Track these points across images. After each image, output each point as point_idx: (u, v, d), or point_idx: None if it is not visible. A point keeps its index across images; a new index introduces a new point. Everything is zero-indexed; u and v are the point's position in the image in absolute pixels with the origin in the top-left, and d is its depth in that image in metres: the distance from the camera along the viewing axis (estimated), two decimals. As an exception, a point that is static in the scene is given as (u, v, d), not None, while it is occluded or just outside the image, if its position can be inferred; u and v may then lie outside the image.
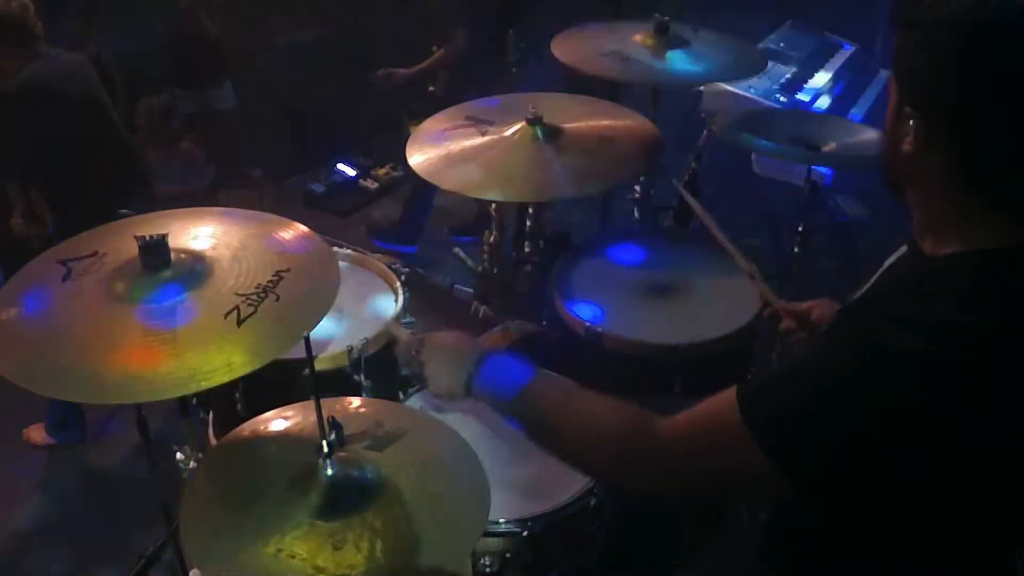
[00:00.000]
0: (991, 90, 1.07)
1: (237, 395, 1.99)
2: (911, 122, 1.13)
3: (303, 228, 1.56)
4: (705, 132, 2.71)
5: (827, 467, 1.07)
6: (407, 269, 2.30)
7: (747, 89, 3.53)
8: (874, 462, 1.06)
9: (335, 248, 2.09)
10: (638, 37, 2.54)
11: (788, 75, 3.80)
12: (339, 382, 1.96)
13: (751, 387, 1.14)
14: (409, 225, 4.55)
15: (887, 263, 1.33)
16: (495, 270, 2.63)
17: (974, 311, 1.05)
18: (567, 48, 2.54)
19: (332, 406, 1.59)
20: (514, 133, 2.16)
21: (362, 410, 1.65)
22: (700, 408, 1.18)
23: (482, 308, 2.43)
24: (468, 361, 1.39)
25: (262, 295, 1.36)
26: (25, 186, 3.29)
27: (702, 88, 3.53)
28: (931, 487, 1.09)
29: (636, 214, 2.72)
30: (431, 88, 4.41)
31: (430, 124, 2.28)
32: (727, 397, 1.14)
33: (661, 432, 1.19)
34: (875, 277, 1.31)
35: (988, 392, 1.04)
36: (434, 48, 4.26)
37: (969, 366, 1.03)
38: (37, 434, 3.33)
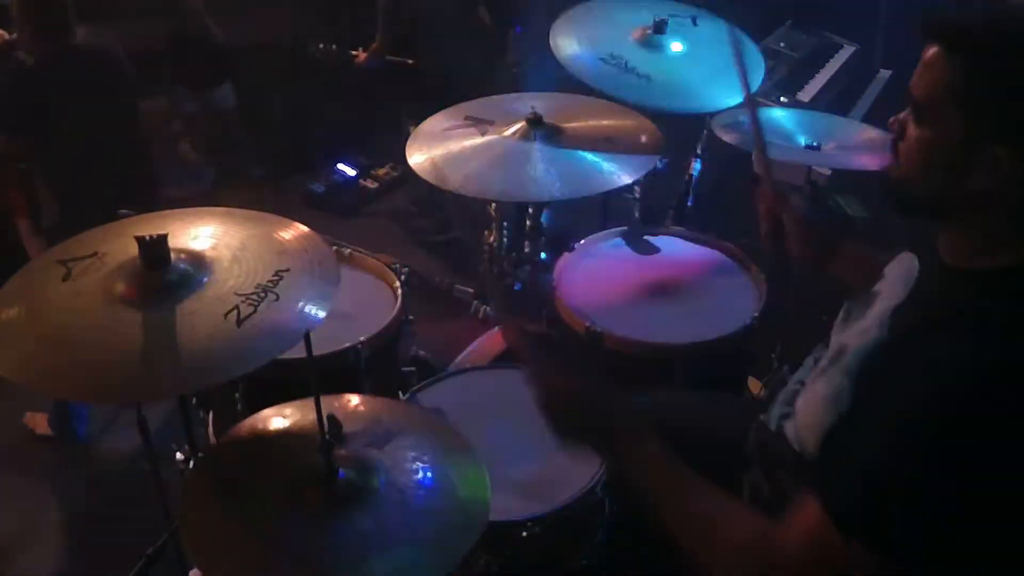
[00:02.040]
0: None
1: (237, 395, 1.99)
2: (999, 160, 1.05)
3: (303, 228, 1.56)
4: (705, 132, 2.71)
5: (942, 540, 1.02)
6: (407, 269, 2.30)
7: (747, 89, 3.53)
8: (970, 513, 1.01)
9: (335, 248, 2.09)
10: (637, 36, 2.53)
11: (788, 75, 3.79)
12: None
13: (840, 501, 1.06)
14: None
15: (888, 273, 1.30)
16: (495, 270, 2.64)
17: (1017, 329, 1.02)
18: (566, 43, 2.52)
19: (331, 404, 1.59)
20: (514, 133, 2.16)
21: (361, 408, 1.65)
22: (802, 536, 1.08)
23: (482, 308, 2.43)
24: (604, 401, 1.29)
25: (262, 295, 1.36)
26: (38, 169, 3.28)
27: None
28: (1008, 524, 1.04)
29: (636, 214, 2.71)
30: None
31: (430, 124, 2.29)
32: (815, 517, 1.06)
33: (775, 557, 1.10)
34: (880, 288, 1.28)
35: None
36: None
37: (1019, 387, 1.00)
38: (40, 423, 3.33)
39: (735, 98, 2.36)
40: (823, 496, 1.07)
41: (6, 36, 3.26)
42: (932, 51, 1.10)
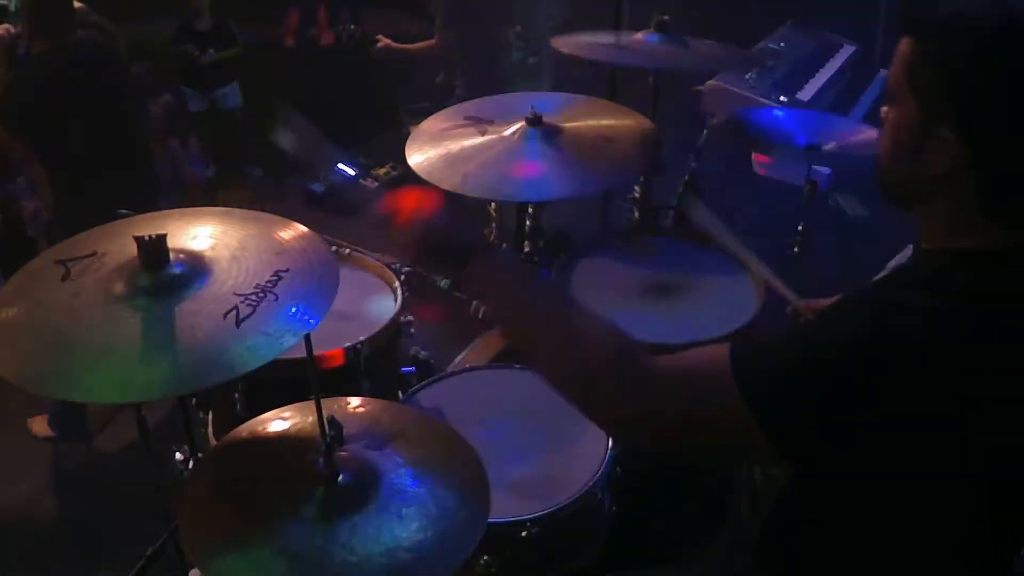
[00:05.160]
0: None
1: (236, 395, 1.99)
2: (947, 143, 1.08)
3: (303, 228, 1.56)
4: (705, 132, 2.71)
5: (809, 434, 1.07)
6: (407, 269, 2.30)
7: (747, 89, 3.53)
8: (859, 438, 1.06)
9: (335, 248, 2.09)
10: (638, 36, 2.54)
11: (788, 75, 3.80)
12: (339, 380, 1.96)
13: (747, 346, 1.15)
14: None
15: (892, 263, 1.33)
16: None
17: (980, 307, 1.05)
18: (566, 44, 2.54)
19: (331, 406, 1.59)
20: (514, 133, 2.16)
21: (361, 410, 1.65)
22: (691, 354, 1.18)
23: (482, 308, 2.42)
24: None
25: (261, 295, 1.36)
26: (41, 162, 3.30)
27: (702, 88, 3.54)
28: (924, 475, 1.09)
29: (636, 214, 2.71)
30: (437, 80, 4.44)
31: (430, 124, 2.29)
32: (720, 350, 1.13)
33: (649, 364, 1.18)
34: (881, 274, 1.31)
35: (985, 385, 1.04)
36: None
37: (968, 357, 1.03)
38: (40, 426, 3.34)
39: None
40: (734, 342, 1.14)
41: (12, 30, 3.27)
42: (903, 41, 1.15)
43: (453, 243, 1.33)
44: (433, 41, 4.21)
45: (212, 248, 1.46)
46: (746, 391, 1.07)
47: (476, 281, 1.32)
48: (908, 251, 1.31)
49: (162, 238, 1.38)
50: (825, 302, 1.78)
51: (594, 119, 2.28)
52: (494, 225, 2.64)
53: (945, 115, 1.09)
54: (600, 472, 1.74)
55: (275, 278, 1.40)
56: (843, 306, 1.15)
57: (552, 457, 1.80)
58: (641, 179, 2.63)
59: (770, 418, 1.07)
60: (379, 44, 4.30)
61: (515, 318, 1.30)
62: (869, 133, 2.44)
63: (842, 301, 1.17)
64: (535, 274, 1.31)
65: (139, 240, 1.37)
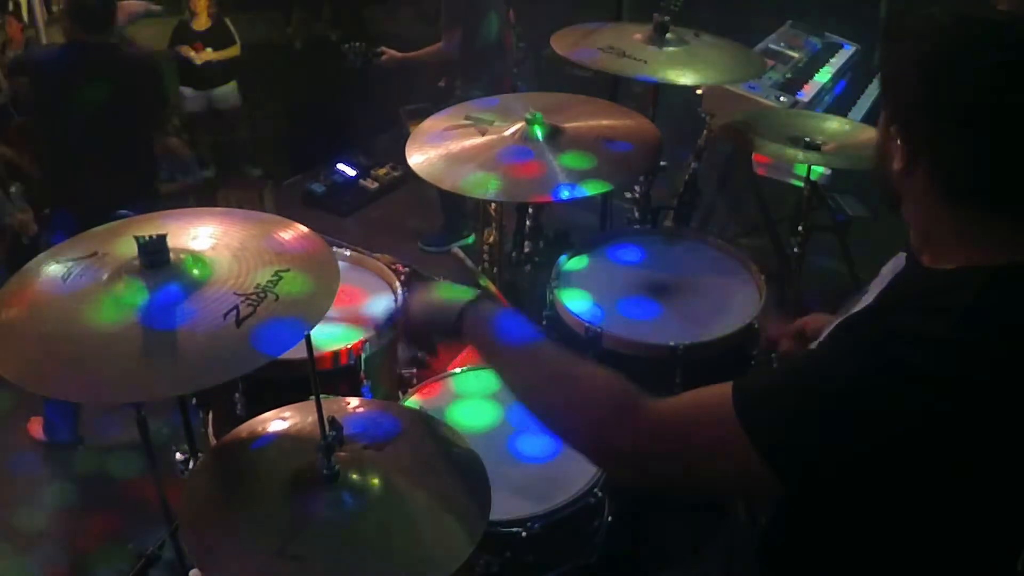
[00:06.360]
0: (965, 110, 1.07)
1: (236, 395, 1.99)
2: (897, 141, 1.13)
3: (303, 228, 1.56)
4: (705, 132, 2.71)
5: (819, 471, 1.07)
6: (407, 269, 2.30)
7: (747, 89, 3.53)
8: (866, 470, 1.06)
9: (335, 248, 2.08)
10: (638, 36, 2.54)
11: (788, 75, 3.80)
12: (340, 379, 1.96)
13: (748, 384, 1.13)
14: (454, 218, 4.58)
15: (884, 271, 1.32)
16: (495, 270, 2.63)
17: (974, 330, 1.04)
18: (565, 43, 2.54)
19: (331, 406, 1.59)
20: (514, 133, 2.16)
21: (361, 410, 1.65)
22: (691, 396, 1.17)
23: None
24: (463, 295, 1.39)
25: (261, 295, 1.36)
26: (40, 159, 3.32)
27: (700, 90, 3.53)
28: (927, 498, 1.09)
29: (636, 214, 2.71)
30: (440, 84, 4.45)
31: (430, 124, 2.29)
32: (721, 390, 1.13)
33: (649, 411, 1.16)
34: (872, 286, 1.31)
35: (987, 410, 1.04)
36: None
37: (968, 385, 1.03)
38: (36, 428, 3.34)
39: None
40: (736, 381, 1.13)
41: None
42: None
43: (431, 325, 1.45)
44: (439, 45, 4.21)
45: (212, 248, 1.46)
46: (750, 430, 1.07)
47: (469, 337, 1.37)
48: (899, 256, 1.31)
49: (162, 238, 1.38)
50: (795, 324, 1.77)
51: (594, 119, 2.28)
52: (494, 225, 2.64)
53: (895, 111, 1.14)
54: (600, 472, 1.74)
55: (276, 278, 1.40)
56: (843, 335, 1.15)
57: (552, 457, 1.80)
58: (641, 179, 2.63)
59: (776, 455, 1.07)
60: (383, 56, 4.31)
61: (513, 365, 1.32)
62: (869, 133, 2.44)
63: (841, 330, 1.16)
64: (524, 322, 1.33)
65: (139, 240, 1.37)
